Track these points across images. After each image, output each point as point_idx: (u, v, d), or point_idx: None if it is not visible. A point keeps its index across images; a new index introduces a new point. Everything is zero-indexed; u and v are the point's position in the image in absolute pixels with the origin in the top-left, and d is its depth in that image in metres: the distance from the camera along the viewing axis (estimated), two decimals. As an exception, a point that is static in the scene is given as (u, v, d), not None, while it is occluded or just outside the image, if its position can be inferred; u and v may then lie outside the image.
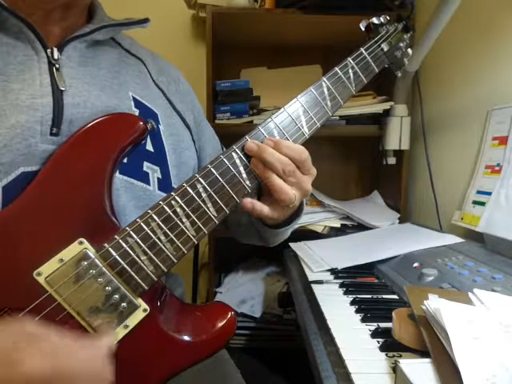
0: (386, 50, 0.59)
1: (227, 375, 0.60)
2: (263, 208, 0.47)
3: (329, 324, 0.50)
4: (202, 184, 0.43)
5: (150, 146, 0.50)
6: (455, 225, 0.86)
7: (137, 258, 0.39)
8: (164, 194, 0.45)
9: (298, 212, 0.55)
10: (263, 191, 0.50)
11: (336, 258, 0.78)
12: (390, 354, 0.42)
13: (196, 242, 0.43)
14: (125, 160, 0.45)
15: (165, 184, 0.51)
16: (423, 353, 0.39)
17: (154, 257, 0.40)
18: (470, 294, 0.46)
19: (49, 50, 0.45)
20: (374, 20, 0.60)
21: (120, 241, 0.39)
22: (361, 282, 0.68)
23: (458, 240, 0.78)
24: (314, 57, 1.33)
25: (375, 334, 0.46)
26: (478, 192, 0.82)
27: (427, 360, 0.36)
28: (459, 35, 0.97)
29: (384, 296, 0.61)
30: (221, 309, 0.44)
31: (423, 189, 1.12)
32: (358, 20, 0.60)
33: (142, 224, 0.40)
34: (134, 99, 0.50)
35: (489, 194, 0.77)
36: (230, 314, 0.44)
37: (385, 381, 0.37)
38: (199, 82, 1.02)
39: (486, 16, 0.88)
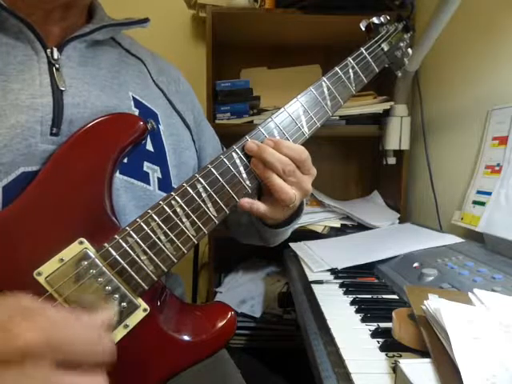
0: (386, 49, 0.59)
1: (227, 375, 0.60)
2: (261, 207, 0.47)
3: (329, 324, 0.50)
4: (202, 184, 0.43)
5: (150, 146, 0.50)
6: (455, 225, 0.86)
7: (137, 258, 0.39)
8: (164, 194, 0.45)
9: (298, 212, 0.55)
10: (263, 191, 0.50)
11: (336, 258, 0.78)
12: (390, 353, 0.42)
13: (196, 242, 0.43)
14: (125, 160, 0.45)
15: (165, 184, 0.51)
16: (423, 353, 0.39)
17: (153, 256, 0.40)
18: (469, 294, 0.46)
19: (48, 50, 0.45)
20: (374, 20, 0.60)
21: (120, 240, 0.39)
22: (361, 282, 0.68)
23: (458, 240, 0.78)
24: (314, 57, 1.33)
25: (375, 334, 0.46)
26: (478, 192, 0.82)
27: (427, 360, 0.36)
28: (459, 35, 0.97)
29: (384, 296, 0.61)
30: (221, 309, 0.44)
31: (423, 189, 1.12)
32: (358, 20, 0.60)
33: (142, 224, 0.40)
34: (134, 99, 0.50)
35: (489, 193, 0.77)
36: (230, 313, 0.44)
37: (385, 381, 0.37)
38: (199, 82, 1.02)
39: (485, 16, 0.88)
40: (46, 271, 0.36)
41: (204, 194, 0.43)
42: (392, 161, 1.15)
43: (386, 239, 0.94)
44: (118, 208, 0.44)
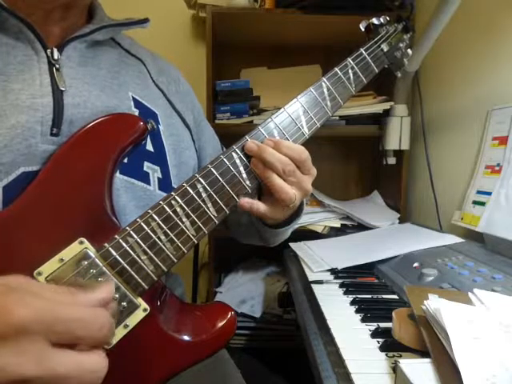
0: (385, 50, 0.59)
1: (227, 375, 0.60)
2: (261, 207, 0.47)
3: (329, 324, 0.50)
4: (202, 184, 0.43)
5: (150, 146, 0.50)
6: (455, 225, 0.86)
7: (137, 258, 0.39)
8: (164, 194, 0.45)
9: (298, 212, 0.55)
10: (263, 191, 0.50)
11: (336, 258, 0.78)
12: (390, 353, 0.42)
13: (196, 242, 0.43)
14: (125, 160, 0.45)
15: (165, 184, 0.51)
16: (423, 353, 0.39)
17: (154, 256, 0.40)
18: (469, 294, 0.46)
19: (49, 51, 0.45)
20: (374, 20, 0.60)
21: (120, 240, 0.39)
22: (361, 282, 0.68)
23: (458, 240, 0.78)
24: (314, 57, 1.33)
25: (375, 334, 0.46)
26: (478, 192, 0.82)
27: (427, 360, 0.36)
28: (459, 35, 0.97)
29: (384, 296, 0.61)
30: (221, 309, 0.44)
31: (423, 189, 1.12)
32: (358, 20, 0.60)
33: (142, 224, 0.40)
34: (134, 99, 0.50)
35: (489, 193, 0.77)
36: (230, 313, 0.44)
37: (385, 381, 0.37)
38: (199, 82, 1.02)
39: (485, 16, 0.88)
40: (46, 271, 0.36)
41: (204, 194, 0.43)
42: (392, 161, 1.15)
43: (386, 239, 0.94)
44: (119, 208, 0.44)
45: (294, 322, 1.10)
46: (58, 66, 0.45)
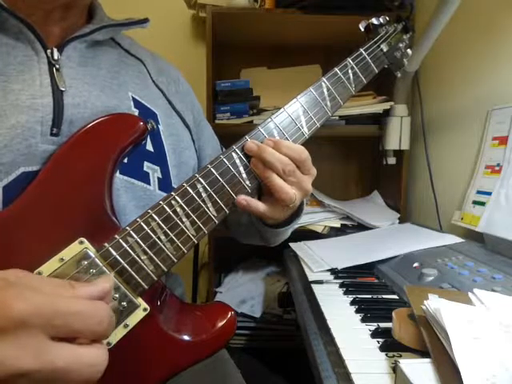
0: (385, 50, 0.59)
1: (227, 375, 0.60)
2: (259, 205, 0.47)
3: (329, 324, 0.50)
4: (202, 184, 0.43)
5: (150, 146, 0.50)
6: (455, 225, 0.86)
7: (137, 258, 0.39)
8: (164, 194, 0.45)
9: (298, 212, 0.55)
10: (263, 191, 0.50)
11: (336, 258, 0.78)
12: (390, 353, 0.42)
13: (196, 242, 0.43)
14: (125, 160, 0.45)
15: (165, 184, 0.51)
16: (423, 353, 0.39)
17: (154, 256, 0.40)
18: (469, 294, 0.46)
19: (49, 51, 0.45)
20: (374, 21, 0.60)
21: (120, 240, 0.39)
22: (361, 282, 0.68)
23: (458, 240, 0.78)
24: (314, 57, 1.33)
25: (375, 334, 0.46)
26: (478, 192, 0.82)
27: (427, 360, 0.36)
28: (459, 35, 0.97)
29: (384, 296, 0.61)
30: (221, 309, 0.44)
31: (423, 189, 1.12)
32: (357, 20, 0.60)
33: (142, 223, 0.40)
34: (134, 99, 0.50)
35: (489, 193, 0.77)
36: (230, 313, 0.44)
37: (385, 381, 0.37)
38: (199, 82, 1.02)
39: (486, 16, 0.88)
40: (46, 271, 0.36)
41: (204, 194, 0.43)
42: (392, 161, 1.15)
43: (386, 239, 0.94)
44: (118, 208, 0.44)
45: (294, 321, 1.10)
46: (57, 66, 0.45)
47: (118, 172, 0.45)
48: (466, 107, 0.96)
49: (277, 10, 1.09)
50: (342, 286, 0.66)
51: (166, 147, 0.52)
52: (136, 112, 0.49)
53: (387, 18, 0.62)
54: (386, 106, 1.09)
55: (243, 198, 0.45)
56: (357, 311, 0.54)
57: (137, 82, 0.53)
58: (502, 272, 0.57)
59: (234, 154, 0.46)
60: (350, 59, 0.55)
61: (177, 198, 0.42)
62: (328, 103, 0.52)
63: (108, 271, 0.38)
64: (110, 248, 0.39)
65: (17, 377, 0.26)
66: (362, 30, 0.60)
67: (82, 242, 0.38)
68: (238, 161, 0.46)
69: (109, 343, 0.36)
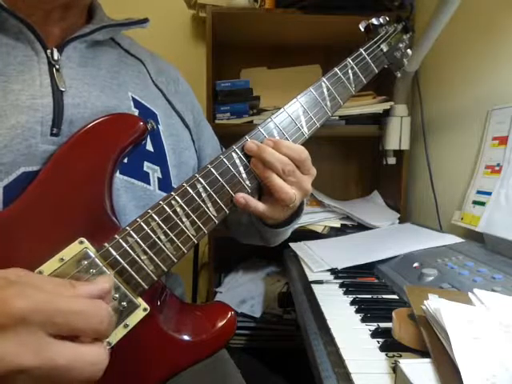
0: (385, 50, 0.59)
1: (227, 375, 0.60)
2: (258, 205, 0.47)
3: (329, 324, 0.50)
4: (201, 184, 0.43)
5: (150, 146, 0.50)
6: (455, 225, 0.86)
7: (137, 258, 0.39)
8: (164, 194, 0.45)
9: (298, 212, 0.55)
10: (263, 191, 0.50)
11: (336, 258, 0.78)
12: (390, 353, 0.42)
13: (196, 242, 0.43)
14: (125, 160, 0.45)
15: (165, 184, 0.51)
16: (423, 353, 0.39)
17: (154, 256, 0.40)
18: (469, 294, 0.46)
19: (49, 51, 0.45)
20: (374, 21, 0.60)
21: (120, 240, 0.39)
22: (361, 282, 0.68)
23: (458, 240, 0.78)
24: (314, 57, 1.33)
25: (375, 334, 0.46)
26: (478, 192, 0.82)
27: (427, 360, 0.36)
28: (459, 35, 0.97)
29: (384, 296, 0.61)
30: (221, 309, 0.44)
31: (423, 189, 1.12)
32: (357, 20, 0.60)
33: (142, 223, 0.40)
34: (134, 99, 0.50)
35: (489, 194, 0.77)
36: (230, 313, 0.44)
37: (385, 381, 0.37)
38: (199, 82, 1.02)
39: (486, 16, 0.88)
40: (46, 270, 0.36)
41: (204, 194, 0.43)
42: (392, 161, 1.15)
43: (386, 239, 0.94)
44: (118, 208, 0.44)
45: (294, 322, 1.10)
46: (57, 66, 0.45)
47: (118, 172, 0.45)
48: (466, 107, 0.96)
49: (277, 10, 1.09)
50: (342, 285, 0.66)
51: (165, 147, 0.52)
52: (136, 112, 0.49)
53: (387, 18, 0.62)
54: (386, 105, 1.09)
55: (242, 196, 0.45)
56: (357, 311, 0.54)
57: (137, 82, 0.53)
58: (502, 272, 0.57)
59: (233, 154, 0.46)
60: (349, 59, 0.55)
61: (177, 197, 0.42)
62: (328, 103, 0.52)
63: (108, 271, 0.38)
64: (110, 248, 0.39)
65: (16, 373, 0.26)
66: (362, 30, 0.60)
67: (82, 242, 0.38)
68: (237, 161, 0.46)
69: (109, 343, 0.36)
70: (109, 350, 0.32)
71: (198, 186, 0.43)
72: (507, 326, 0.38)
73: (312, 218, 1.11)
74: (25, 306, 0.27)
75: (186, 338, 0.41)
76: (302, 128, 0.50)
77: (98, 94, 0.47)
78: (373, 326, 0.49)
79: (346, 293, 0.62)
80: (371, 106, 1.10)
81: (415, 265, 0.67)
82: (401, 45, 0.63)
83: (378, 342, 0.45)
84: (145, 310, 0.39)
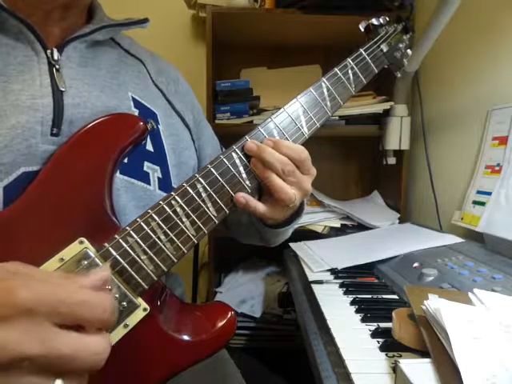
0: (385, 50, 0.59)
1: (227, 375, 0.60)
2: (258, 205, 0.47)
3: (329, 324, 0.50)
4: (201, 184, 0.43)
5: (150, 146, 0.50)
6: (455, 225, 0.86)
7: (137, 258, 0.39)
8: (164, 194, 0.45)
9: (298, 212, 0.55)
10: (263, 191, 0.50)
11: (336, 258, 0.78)
12: (390, 353, 0.42)
13: (196, 242, 0.43)
14: (125, 160, 0.45)
15: (165, 184, 0.51)
16: (423, 353, 0.39)
17: (154, 256, 0.40)
18: (469, 294, 0.46)
19: (49, 51, 0.45)
20: (374, 21, 0.60)
21: (120, 240, 0.39)
22: (361, 282, 0.68)
23: (458, 240, 0.78)
24: (314, 57, 1.33)
25: (375, 334, 0.46)
26: (478, 192, 0.82)
27: (427, 360, 0.36)
28: (459, 35, 0.97)
29: (384, 296, 0.61)
30: (221, 309, 0.44)
31: (423, 189, 1.12)
32: (357, 20, 0.60)
33: (142, 223, 0.40)
34: (134, 99, 0.50)
35: (489, 193, 0.77)
36: (230, 313, 0.44)
37: (385, 381, 0.37)
38: (199, 82, 1.02)
39: (486, 16, 0.88)
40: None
41: (204, 194, 0.43)
42: (392, 161, 1.15)
43: (386, 239, 0.94)
44: (118, 208, 0.44)
45: (294, 321, 1.10)
46: (57, 66, 0.45)
47: (118, 172, 0.45)
48: (466, 107, 0.96)
49: (277, 10, 1.09)
50: (341, 285, 0.66)
51: (165, 147, 0.52)
52: (136, 112, 0.49)
53: (387, 19, 0.62)
54: (386, 105, 1.09)
55: (242, 196, 0.45)
56: (357, 311, 0.54)
57: (137, 82, 0.53)
58: (502, 272, 0.57)
59: (233, 154, 0.46)
60: (349, 59, 0.55)
61: (177, 197, 0.42)
62: (328, 103, 0.52)
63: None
64: (109, 248, 0.39)
65: (19, 361, 0.26)
66: (362, 30, 0.60)
67: (82, 242, 0.38)
68: (237, 161, 0.46)
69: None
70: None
71: (198, 185, 0.43)
72: (507, 326, 0.38)
73: (312, 218, 1.11)
74: (30, 297, 0.27)
75: (185, 338, 0.41)
76: (302, 128, 0.50)
77: (97, 94, 0.47)
78: (373, 326, 0.49)
79: (346, 293, 0.62)
80: (371, 106, 1.10)
81: (415, 265, 0.67)
82: (401, 45, 0.63)
83: (378, 342, 0.45)
84: (145, 309, 0.39)
